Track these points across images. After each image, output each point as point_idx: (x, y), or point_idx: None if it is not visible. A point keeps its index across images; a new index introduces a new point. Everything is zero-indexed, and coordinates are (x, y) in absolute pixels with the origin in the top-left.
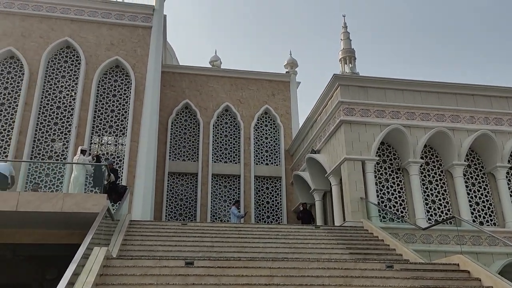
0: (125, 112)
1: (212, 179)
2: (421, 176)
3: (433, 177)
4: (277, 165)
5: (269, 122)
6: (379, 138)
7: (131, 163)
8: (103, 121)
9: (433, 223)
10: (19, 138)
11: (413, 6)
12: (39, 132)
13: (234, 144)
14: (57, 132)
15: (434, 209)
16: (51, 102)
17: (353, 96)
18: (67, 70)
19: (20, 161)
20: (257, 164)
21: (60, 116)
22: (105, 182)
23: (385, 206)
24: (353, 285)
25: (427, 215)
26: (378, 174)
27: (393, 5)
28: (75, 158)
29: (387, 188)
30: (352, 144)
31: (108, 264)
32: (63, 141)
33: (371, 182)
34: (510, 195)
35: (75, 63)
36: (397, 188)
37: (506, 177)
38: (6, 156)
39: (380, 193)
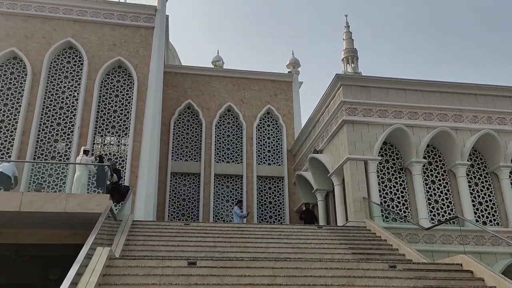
0: (128, 112)
1: (214, 179)
2: (424, 176)
3: (436, 177)
4: (279, 165)
5: (271, 122)
6: (382, 138)
7: (134, 163)
8: (106, 122)
9: (436, 223)
10: (22, 139)
11: (413, 6)
12: (42, 133)
13: (236, 144)
14: (60, 133)
15: (437, 209)
16: (54, 103)
17: (355, 96)
18: (70, 70)
19: (23, 161)
20: (259, 164)
21: (63, 116)
22: (108, 183)
23: (388, 206)
24: (356, 285)
25: (430, 215)
26: (380, 174)
27: (393, 5)
28: (78, 159)
29: (390, 188)
30: (354, 144)
31: (111, 264)
32: (66, 142)
33: (373, 182)
34: None
35: (78, 63)
36: (400, 188)
37: (509, 176)
38: (10, 156)
39: (382, 193)
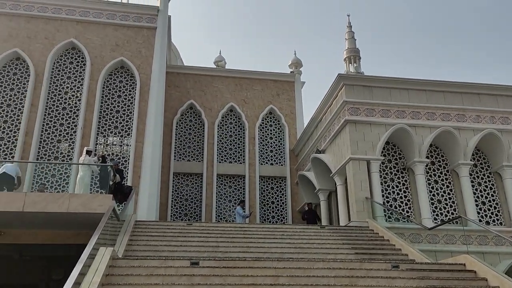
0: (130, 112)
1: (217, 179)
2: (427, 176)
3: (439, 176)
4: (282, 165)
5: (273, 122)
6: (384, 138)
7: (136, 163)
8: (109, 122)
9: (439, 223)
10: (25, 139)
11: (413, 6)
12: (45, 133)
13: (239, 144)
14: (63, 133)
15: (440, 209)
16: (56, 103)
17: (358, 96)
18: (73, 71)
19: (26, 162)
20: (262, 164)
21: (65, 117)
22: (111, 183)
23: (391, 206)
24: (359, 285)
25: (433, 215)
26: (383, 174)
27: (394, 5)
28: (81, 159)
29: (393, 188)
30: (357, 144)
31: (114, 264)
32: (69, 142)
33: (376, 182)
34: None
35: (81, 64)
36: (403, 188)
37: None
38: (13, 157)
39: (385, 193)
